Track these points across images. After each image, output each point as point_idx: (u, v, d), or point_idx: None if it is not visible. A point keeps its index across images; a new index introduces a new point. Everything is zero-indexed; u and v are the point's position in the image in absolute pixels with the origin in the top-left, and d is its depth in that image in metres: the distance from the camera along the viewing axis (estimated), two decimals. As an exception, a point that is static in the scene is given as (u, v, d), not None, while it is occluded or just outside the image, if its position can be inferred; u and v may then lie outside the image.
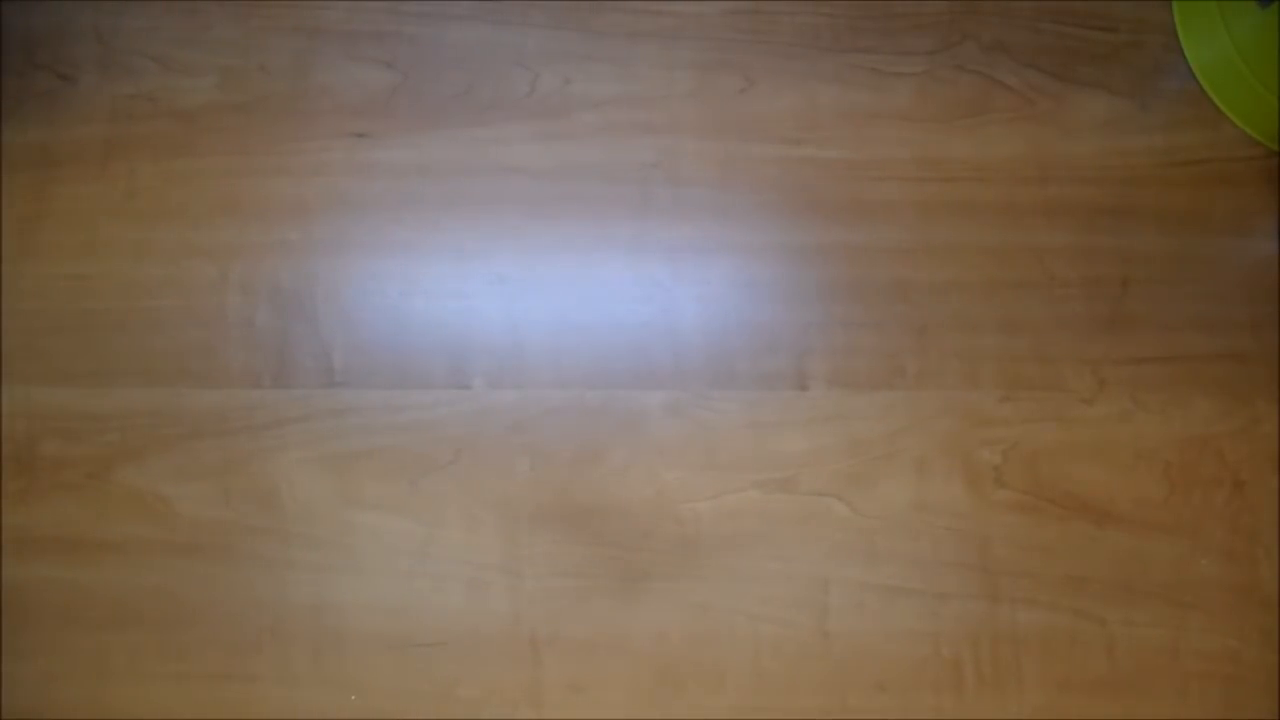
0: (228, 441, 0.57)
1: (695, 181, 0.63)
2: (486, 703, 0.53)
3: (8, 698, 0.52)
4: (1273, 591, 0.57)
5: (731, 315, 0.60)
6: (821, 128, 0.64)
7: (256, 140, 0.63)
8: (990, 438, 0.58)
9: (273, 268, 0.60)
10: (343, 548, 0.54)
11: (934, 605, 0.55)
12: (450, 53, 0.65)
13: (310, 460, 0.57)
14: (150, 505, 0.56)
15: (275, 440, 0.57)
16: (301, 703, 0.53)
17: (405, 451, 0.57)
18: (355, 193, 0.62)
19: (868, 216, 0.62)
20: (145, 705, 0.52)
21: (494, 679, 0.53)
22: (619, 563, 0.55)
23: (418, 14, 0.66)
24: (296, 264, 0.60)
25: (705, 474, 0.57)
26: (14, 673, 0.53)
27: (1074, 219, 0.63)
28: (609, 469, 0.57)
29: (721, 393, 0.59)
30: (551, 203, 0.62)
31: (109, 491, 0.56)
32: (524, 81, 0.65)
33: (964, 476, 0.57)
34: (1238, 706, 0.55)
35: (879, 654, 0.54)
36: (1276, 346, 0.61)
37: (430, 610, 0.54)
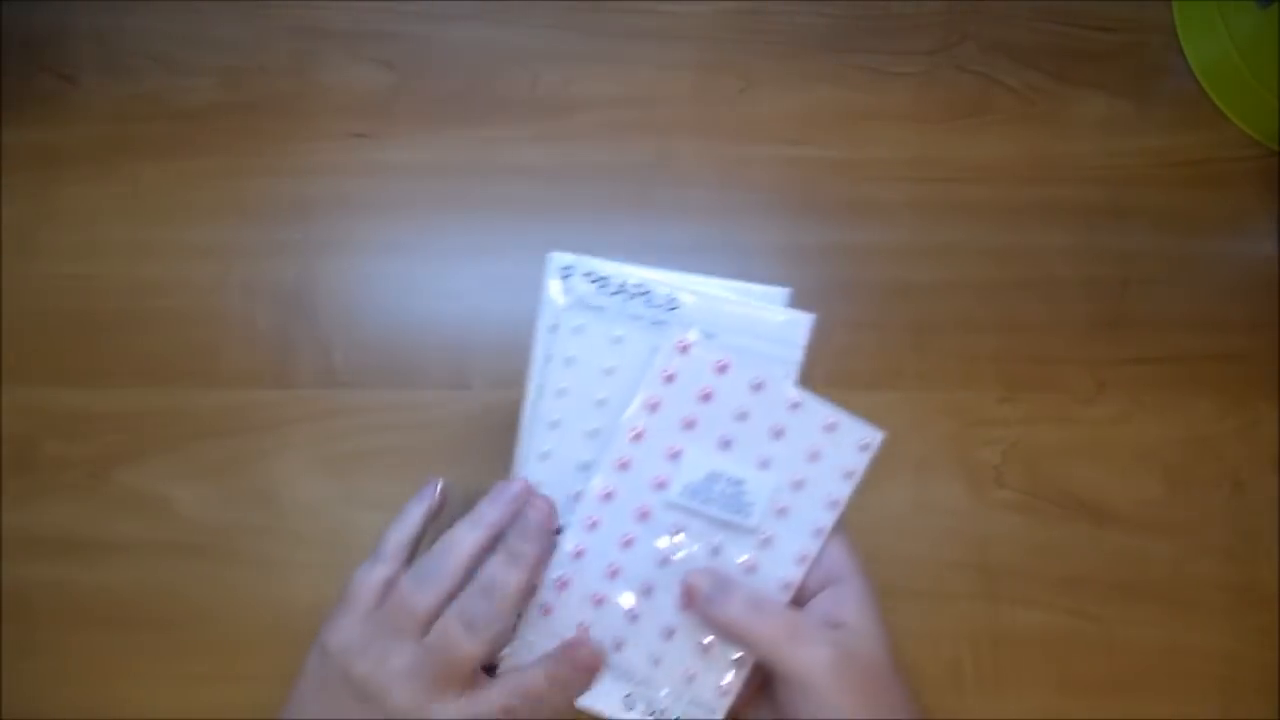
0: (228, 441, 0.57)
1: (695, 181, 0.63)
2: (487, 702, 0.53)
3: (8, 698, 0.52)
4: (1272, 591, 0.57)
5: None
6: (821, 128, 0.64)
7: (257, 140, 0.63)
8: (990, 438, 0.58)
9: (273, 268, 0.60)
10: (343, 548, 0.54)
11: (934, 605, 0.55)
12: (450, 53, 0.65)
13: (311, 460, 0.57)
14: (150, 505, 0.56)
15: (276, 440, 0.57)
16: (302, 702, 0.53)
17: (405, 451, 0.57)
18: (356, 193, 0.62)
19: (867, 216, 0.62)
20: (145, 705, 0.52)
21: (494, 679, 0.53)
22: (619, 563, 0.55)
23: (418, 14, 0.66)
24: (297, 264, 0.60)
25: (705, 474, 0.57)
26: (14, 673, 0.53)
27: (1073, 219, 0.63)
28: (609, 469, 0.57)
29: (722, 393, 0.58)
30: (552, 202, 0.62)
31: (109, 491, 0.56)
32: (524, 81, 0.65)
33: (964, 476, 0.57)
34: (1237, 706, 0.55)
35: (879, 654, 0.54)
36: (1276, 346, 0.61)
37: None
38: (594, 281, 0.46)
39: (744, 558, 0.44)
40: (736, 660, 0.44)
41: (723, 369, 0.44)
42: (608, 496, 0.44)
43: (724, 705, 0.44)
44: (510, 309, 0.60)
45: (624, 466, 0.44)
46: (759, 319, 0.45)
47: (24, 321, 0.59)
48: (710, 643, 0.44)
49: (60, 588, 0.54)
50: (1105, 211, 0.64)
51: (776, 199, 0.63)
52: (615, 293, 0.46)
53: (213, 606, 0.54)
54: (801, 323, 0.45)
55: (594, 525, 0.44)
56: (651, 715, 0.45)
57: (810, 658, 0.40)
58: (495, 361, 0.59)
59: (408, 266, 0.61)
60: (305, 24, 0.65)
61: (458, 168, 0.63)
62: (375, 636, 0.41)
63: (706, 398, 0.44)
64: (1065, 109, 0.66)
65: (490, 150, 0.63)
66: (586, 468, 0.45)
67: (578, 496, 0.44)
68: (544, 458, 0.45)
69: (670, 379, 0.44)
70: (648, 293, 0.46)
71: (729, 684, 0.44)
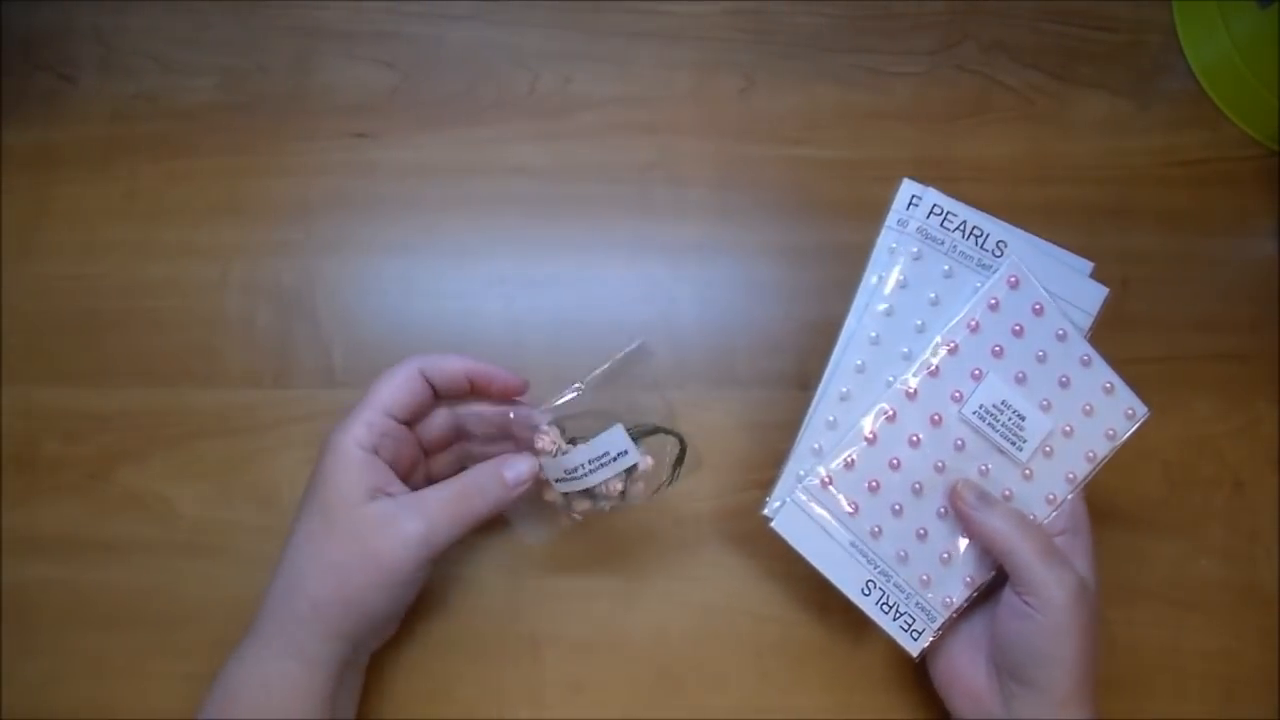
0: (228, 441, 0.57)
1: (695, 181, 0.63)
2: (486, 702, 0.53)
3: (8, 698, 0.52)
4: (1273, 591, 0.57)
5: (732, 315, 0.61)
6: (821, 128, 0.64)
7: (257, 140, 0.63)
8: (990, 438, 0.58)
9: (273, 268, 0.60)
10: (343, 548, 0.54)
11: (934, 605, 0.55)
12: (450, 53, 0.65)
13: (311, 460, 0.56)
14: (150, 505, 0.56)
15: (276, 440, 0.57)
16: (302, 703, 0.53)
17: (405, 451, 0.56)
18: (356, 193, 0.62)
19: (868, 216, 0.62)
20: (145, 705, 0.52)
21: (494, 679, 0.53)
22: (619, 562, 0.55)
23: (418, 14, 0.66)
24: (297, 264, 0.60)
25: (706, 474, 0.57)
26: (14, 673, 0.53)
27: (1074, 219, 0.63)
28: (609, 469, 0.57)
29: (722, 393, 0.59)
30: (552, 203, 0.62)
31: (109, 491, 0.56)
32: (524, 81, 0.65)
33: (964, 476, 0.57)
34: (1237, 706, 0.55)
35: (881, 654, 0.54)
36: (1276, 346, 0.61)
37: (430, 609, 0.54)
38: (937, 215, 0.50)
39: (1006, 485, 0.49)
40: (968, 581, 0.48)
41: (1039, 311, 0.49)
42: (912, 395, 0.48)
43: (944, 617, 0.49)
44: (511, 309, 0.60)
45: (934, 373, 0.49)
46: (1067, 280, 0.50)
47: (24, 321, 0.59)
48: (951, 556, 0.48)
49: (60, 588, 0.54)
50: (1105, 211, 0.64)
51: (776, 199, 0.63)
52: (955, 229, 0.50)
53: (213, 606, 0.54)
54: (1099, 293, 0.50)
55: (892, 417, 0.49)
56: (881, 606, 0.48)
57: (1060, 579, 0.44)
58: (495, 361, 0.59)
59: (408, 266, 0.61)
60: (305, 24, 0.65)
61: (458, 168, 0.63)
62: None
63: (1018, 333, 0.49)
64: (1066, 109, 0.66)
65: (490, 150, 0.63)
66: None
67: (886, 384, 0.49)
68: (859, 370, 0.50)
69: (994, 307, 0.49)
70: (983, 235, 0.49)
71: (956, 601, 0.48)
